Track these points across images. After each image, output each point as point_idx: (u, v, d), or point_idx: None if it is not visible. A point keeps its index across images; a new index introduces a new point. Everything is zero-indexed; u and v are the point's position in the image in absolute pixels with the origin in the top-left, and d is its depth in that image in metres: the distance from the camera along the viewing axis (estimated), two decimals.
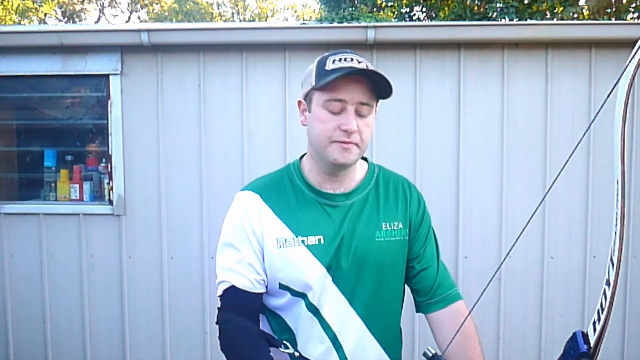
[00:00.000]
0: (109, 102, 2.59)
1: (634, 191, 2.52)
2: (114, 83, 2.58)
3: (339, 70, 0.94)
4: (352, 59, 0.96)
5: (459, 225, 2.55)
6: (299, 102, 1.07)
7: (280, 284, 1.04)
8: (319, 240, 1.03)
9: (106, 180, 2.66)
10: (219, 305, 1.07)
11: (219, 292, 1.06)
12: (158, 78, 2.59)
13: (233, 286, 1.03)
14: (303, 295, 1.03)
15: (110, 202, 2.63)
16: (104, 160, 2.70)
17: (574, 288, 2.56)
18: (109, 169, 2.62)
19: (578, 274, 2.55)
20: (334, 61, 0.97)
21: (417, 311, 1.14)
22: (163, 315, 2.64)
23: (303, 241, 1.02)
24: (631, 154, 2.52)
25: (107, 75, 2.59)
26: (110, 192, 2.63)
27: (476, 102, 2.54)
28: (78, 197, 2.71)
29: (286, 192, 1.07)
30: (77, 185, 2.71)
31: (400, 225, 1.08)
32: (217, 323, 1.06)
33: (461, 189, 2.55)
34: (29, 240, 2.66)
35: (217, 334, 1.06)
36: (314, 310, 1.03)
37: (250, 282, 1.04)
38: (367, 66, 0.96)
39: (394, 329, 1.13)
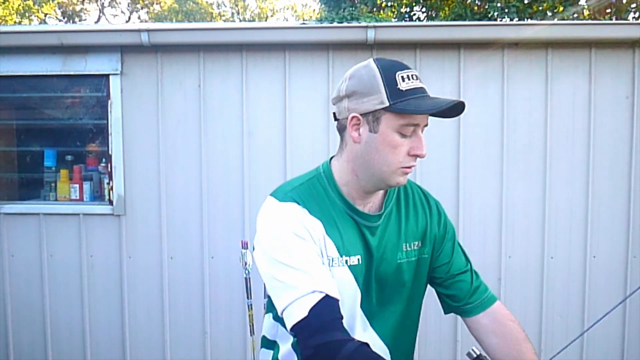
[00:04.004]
0: (109, 102, 2.59)
1: (634, 191, 2.52)
2: (114, 83, 2.59)
3: (417, 92, 0.91)
4: (416, 77, 0.93)
5: (459, 225, 2.54)
6: (354, 117, 0.93)
7: None
8: (358, 260, 0.99)
9: (106, 180, 2.66)
10: (308, 331, 0.84)
11: (304, 313, 0.84)
12: (158, 78, 2.59)
13: (327, 296, 0.86)
14: None
15: (110, 202, 2.63)
16: (104, 160, 2.70)
17: (574, 288, 2.56)
18: (109, 169, 2.62)
19: (578, 274, 2.55)
20: (403, 78, 0.91)
21: (446, 312, 1.14)
22: (163, 315, 2.64)
23: (346, 261, 0.97)
24: (631, 153, 2.52)
25: (107, 75, 2.59)
26: (110, 192, 2.63)
27: (476, 102, 2.54)
28: (78, 197, 2.71)
29: (326, 205, 0.99)
30: (77, 185, 2.71)
31: (420, 244, 1.06)
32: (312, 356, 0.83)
33: (461, 189, 2.55)
34: (29, 240, 2.66)
35: None
36: None
37: (335, 288, 0.90)
38: (426, 89, 0.95)
39: (410, 345, 1.13)
